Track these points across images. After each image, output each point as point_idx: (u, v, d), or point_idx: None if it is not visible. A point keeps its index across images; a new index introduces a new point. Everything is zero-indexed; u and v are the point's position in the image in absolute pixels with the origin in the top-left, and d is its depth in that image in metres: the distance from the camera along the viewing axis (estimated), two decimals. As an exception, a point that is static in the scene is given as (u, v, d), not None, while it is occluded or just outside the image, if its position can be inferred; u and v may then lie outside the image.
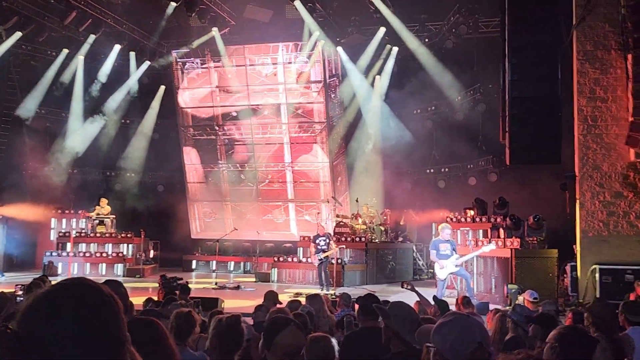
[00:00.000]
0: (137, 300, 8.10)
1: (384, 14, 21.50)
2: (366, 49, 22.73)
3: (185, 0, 20.80)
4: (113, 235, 20.82)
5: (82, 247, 20.21)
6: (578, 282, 12.54)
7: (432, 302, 6.98)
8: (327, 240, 16.22)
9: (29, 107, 22.63)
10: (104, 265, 19.65)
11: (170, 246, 23.41)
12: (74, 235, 20.23)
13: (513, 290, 12.49)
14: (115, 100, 24.39)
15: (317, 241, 16.18)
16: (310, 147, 24.38)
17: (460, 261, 12.97)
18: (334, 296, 12.30)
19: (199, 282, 18.54)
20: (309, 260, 17.02)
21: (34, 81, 22.74)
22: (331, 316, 7.08)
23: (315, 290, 14.25)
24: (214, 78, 24.72)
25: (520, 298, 10.64)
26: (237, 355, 3.88)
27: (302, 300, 7.47)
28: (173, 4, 21.27)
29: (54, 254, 19.78)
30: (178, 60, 24.66)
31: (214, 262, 20.49)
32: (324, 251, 15.95)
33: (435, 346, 2.50)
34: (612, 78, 12.55)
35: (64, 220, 22.20)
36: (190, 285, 10.55)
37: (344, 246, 17.65)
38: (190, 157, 25.64)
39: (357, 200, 20.34)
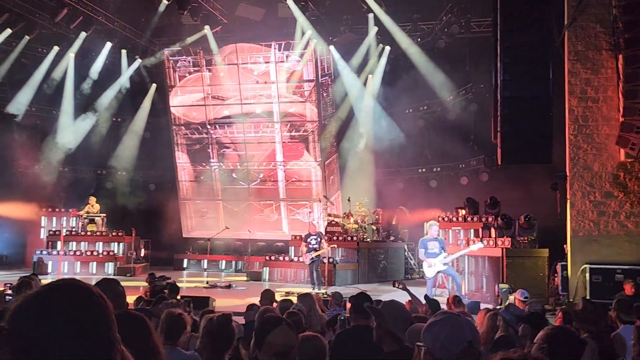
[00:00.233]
0: (128, 299, 8.07)
1: (376, 13, 21.54)
2: (358, 48, 22.75)
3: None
4: (104, 233, 20.73)
5: (73, 245, 20.10)
6: (568, 282, 12.60)
7: (424, 302, 7.00)
8: (319, 239, 16.22)
9: (19, 104, 22.51)
10: (95, 263, 19.57)
11: (161, 245, 23.35)
12: (65, 234, 20.13)
13: (504, 290, 12.53)
14: (107, 98, 24.31)
15: (309, 240, 16.18)
16: (302, 146, 24.37)
17: (449, 260, 13.00)
18: (325, 295, 12.31)
19: (190, 281, 18.52)
20: (301, 259, 17.02)
21: (24, 78, 22.63)
22: (322, 315, 7.09)
23: (306, 289, 14.27)
24: (206, 77, 24.65)
25: (511, 297, 10.68)
26: (228, 354, 3.87)
27: (293, 299, 7.48)
28: (165, 2, 21.21)
29: (44, 252, 19.67)
30: (170, 58, 24.59)
31: (205, 261, 20.45)
32: (315, 250, 15.95)
33: (426, 345, 2.51)
34: (603, 78, 12.61)
35: (54, 219, 22.09)
36: (181, 284, 10.55)
37: (335, 245, 17.65)
38: (182, 155, 25.58)
39: (349, 200, 20.34)
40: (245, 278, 19.50)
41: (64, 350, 1.37)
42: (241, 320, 6.39)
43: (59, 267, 18.97)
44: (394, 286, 7.92)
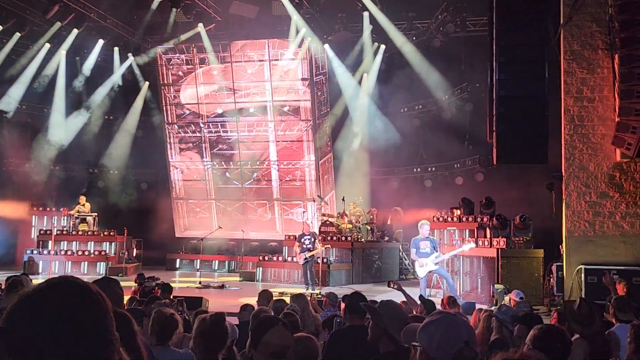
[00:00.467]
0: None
1: (371, 11, 21.55)
2: (353, 47, 22.76)
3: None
4: (95, 233, 20.69)
5: (64, 245, 20.05)
6: (564, 282, 12.62)
7: (419, 302, 7.01)
8: (313, 239, 16.22)
9: (9, 101, 22.42)
10: (86, 263, 19.52)
11: (153, 245, 23.31)
12: (56, 233, 20.07)
13: (499, 290, 12.56)
14: (99, 96, 24.26)
15: (303, 240, 16.18)
16: (296, 145, 24.36)
17: (440, 259, 13.01)
18: (319, 296, 12.31)
19: (183, 281, 18.49)
20: (294, 259, 17.01)
21: (15, 75, 22.53)
22: (316, 316, 7.09)
23: (300, 289, 14.27)
24: (199, 75, 24.62)
25: (507, 298, 10.72)
26: (221, 354, 3.87)
27: (286, 299, 7.48)
28: (158, -1, 21.17)
29: (34, 252, 19.61)
30: (163, 55, 24.53)
31: (198, 261, 20.43)
32: (309, 250, 15.95)
33: (422, 345, 2.51)
34: (599, 78, 12.64)
35: (45, 218, 22.03)
36: (173, 285, 10.53)
37: (329, 245, 17.66)
38: (174, 154, 25.53)
39: (343, 199, 20.35)
40: (238, 278, 19.49)
41: (61, 350, 1.35)
42: (235, 320, 6.38)
43: (50, 267, 18.90)
44: (388, 286, 7.93)
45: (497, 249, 13.79)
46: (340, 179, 23.57)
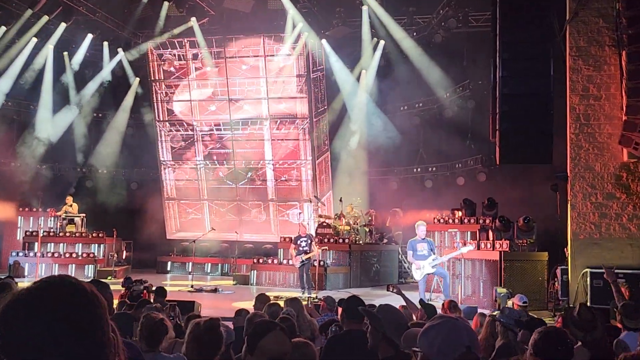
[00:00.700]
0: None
1: (370, 5, 21.56)
2: (352, 42, 22.76)
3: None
4: (83, 234, 20.65)
5: (51, 247, 20.01)
6: (569, 286, 12.66)
7: (419, 306, 7.02)
8: (309, 241, 16.21)
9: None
10: (74, 266, 19.47)
11: (144, 247, 23.27)
12: (42, 235, 20.03)
13: (502, 295, 12.57)
14: (88, 92, 24.22)
15: (299, 242, 16.17)
16: (292, 143, 24.37)
17: (438, 262, 13.01)
18: (316, 300, 12.32)
19: (174, 284, 18.46)
20: (290, 262, 17.01)
21: (0, 71, 22.47)
22: (312, 320, 7.09)
23: (296, 293, 14.27)
24: (192, 71, 24.61)
25: (510, 302, 10.73)
26: (216, 360, 3.88)
27: (281, 303, 7.49)
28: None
29: (20, 254, 19.56)
30: (154, 51, 24.51)
31: (190, 263, 20.40)
32: (305, 253, 15.94)
33: (422, 350, 2.52)
34: (606, 75, 12.69)
35: (31, 219, 21.99)
36: (164, 288, 10.47)
37: (326, 248, 17.66)
38: (166, 153, 25.52)
39: (340, 200, 20.35)
40: (232, 282, 19.50)
41: (57, 351, 1.36)
42: (229, 325, 6.38)
43: (36, 270, 18.86)
44: (387, 290, 7.93)
45: (500, 252, 13.80)
46: (338, 179, 23.58)
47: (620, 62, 12.38)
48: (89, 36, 23.43)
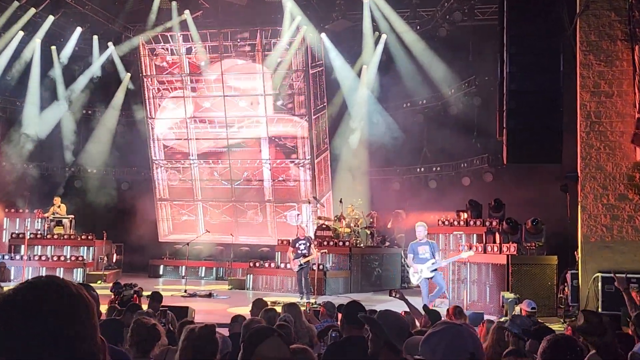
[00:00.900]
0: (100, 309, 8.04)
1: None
2: (352, 36, 22.76)
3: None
4: (72, 237, 20.65)
5: (38, 250, 20.02)
6: (579, 292, 12.66)
7: (423, 312, 7.03)
8: (308, 244, 16.21)
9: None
10: (62, 269, 19.45)
11: (135, 250, 23.26)
12: (29, 237, 20.00)
13: (509, 300, 12.57)
14: (76, 88, 24.21)
15: (297, 245, 16.17)
16: (290, 142, 24.36)
17: (437, 266, 12.95)
18: (316, 305, 12.32)
19: (167, 289, 18.45)
20: (288, 266, 17.03)
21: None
22: (310, 326, 7.10)
23: (294, 298, 14.27)
24: (185, 67, 24.61)
25: (517, 308, 10.74)
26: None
27: (278, 309, 7.49)
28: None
29: (6, 257, 19.56)
30: (145, 45, 24.50)
31: (184, 267, 20.40)
32: (304, 256, 15.95)
33: (424, 357, 2.53)
34: (618, 71, 12.68)
35: (17, 220, 21.96)
36: (160, 293, 10.46)
37: (326, 251, 17.67)
38: (158, 152, 25.51)
39: (340, 201, 20.36)
40: (227, 286, 19.48)
41: (44, 355, 1.37)
42: (225, 332, 6.39)
43: (23, 274, 18.85)
44: (390, 295, 7.94)
45: (507, 255, 13.81)
46: (338, 179, 23.58)
47: (633, 57, 12.38)
48: (78, 29, 23.42)
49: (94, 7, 22.87)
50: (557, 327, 10.19)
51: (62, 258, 19.71)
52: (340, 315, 5.97)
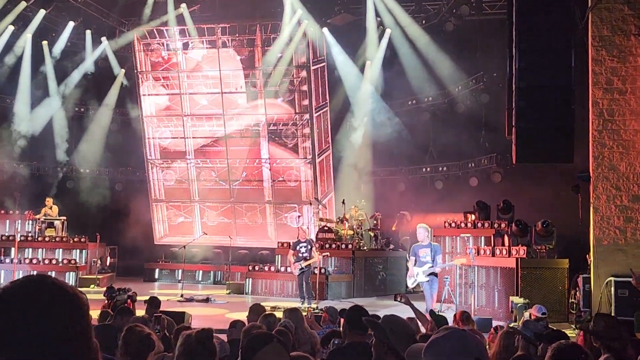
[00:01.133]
0: (93, 314, 8.05)
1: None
2: (355, 31, 22.75)
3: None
4: (64, 239, 20.67)
5: (28, 252, 20.03)
6: (591, 297, 12.66)
7: (429, 318, 7.03)
8: (309, 247, 16.23)
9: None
10: (54, 273, 19.48)
11: (129, 253, 23.30)
12: (19, 239, 20.03)
13: (519, 305, 12.57)
14: (69, 85, 24.24)
15: (298, 248, 16.20)
16: (290, 141, 24.37)
17: (432, 271, 12.87)
18: (317, 310, 12.33)
19: (163, 293, 18.48)
20: (289, 269, 17.04)
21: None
22: (312, 333, 7.11)
23: (295, 303, 14.29)
24: (182, 62, 24.64)
25: (527, 314, 10.75)
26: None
27: (278, 314, 7.51)
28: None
29: (-5, 260, 19.62)
30: (140, 40, 24.52)
31: (180, 271, 20.42)
32: (305, 259, 15.96)
33: (427, 364, 2.54)
34: (632, 67, 12.68)
35: (7, 222, 21.97)
36: (158, 298, 10.46)
37: (328, 254, 17.67)
38: (153, 151, 25.53)
39: (343, 202, 20.35)
40: (225, 291, 19.50)
41: (35, 355, 1.37)
42: (223, 338, 6.41)
43: (13, 277, 18.85)
44: (395, 300, 7.92)
45: (517, 259, 13.82)
46: (340, 179, 23.59)
47: (647, 53, 12.39)
48: (71, 24, 23.45)
49: (87, 0, 22.91)
50: (568, 333, 10.19)
51: (53, 261, 19.71)
52: (342, 321, 5.98)
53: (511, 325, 8.42)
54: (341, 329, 6.01)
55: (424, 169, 23.10)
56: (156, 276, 22.53)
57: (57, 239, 20.62)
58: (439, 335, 2.58)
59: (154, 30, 24.02)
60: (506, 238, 15.36)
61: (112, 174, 25.80)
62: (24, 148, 23.40)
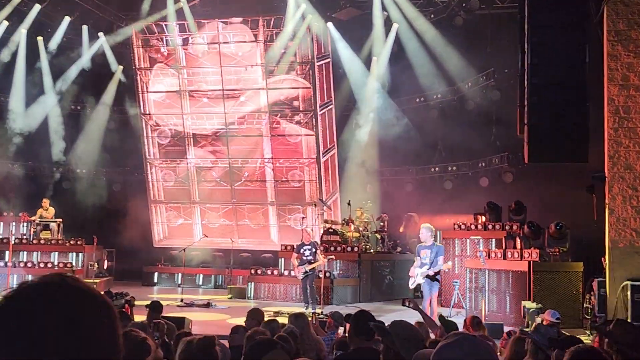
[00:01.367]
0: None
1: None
2: (361, 26, 22.75)
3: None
4: (60, 242, 20.69)
5: (23, 256, 20.06)
6: (607, 301, 12.63)
7: (438, 323, 7.03)
8: (314, 250, 16.22)
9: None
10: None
11: (127, 256, 23.32)
12: (14, 242, 20.06)
13: (531, 310, 12.57)
14: (65, 82, 24.28)
15: (302, 251, 16.19)
16: (294, 140, 24.38)
17: (427, 273, 12.82)
18: (322, 316, 12.35)
19: (162, 298, 18.49)
20: (292, 273, 17.05)
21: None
22: (318, 339, 7.13)
23: (299, 308, 14.29)
24: (182, 58, 24.66)
25: (539, 319, 10.73)
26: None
27: (282, 320, 7.52)
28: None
29: (-11, 263, 19.66)
30: (139, 35, 24.55)
31: (180, 274, 20.46)
32: (309, 262, 15.96)
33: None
34: (649, 63, 12.65)
35: (1, 224, 22.04)
36: (160, 302, 10.45)
37: (333, 257, 17.67)
38: (153, 150, 25.55)
39: (349, 204, 20.34)
40: (226, 295, 19.53)
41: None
42: (224, 344, 6.42)
43: (7, 281, 18.91)
44: (403, 305, 7.95)
45: (529, 262, 13.81)
46: (346, 179, 23.58)
47: (664, 48, 12.36)
48: (66, 19, 23.48)
49: (84, -6, 22.97)
50: (582, 339, 10.17)
51: (49, 265, 19.74)
52: (348, 326, 5.98)
53: (523, 330, 8.42)
54: (347, 334, 6.02)
55: (432, 169, 23.08)
56: (155, 280, 22.57)
57: (53, 241, 20.64)
58: (448, 341, 2.58)
59: (153, 25, 24.04)
60: (518, 240, 15.35)
61: (109, 174, 25.82)
62: (18, 147, 23.42)
